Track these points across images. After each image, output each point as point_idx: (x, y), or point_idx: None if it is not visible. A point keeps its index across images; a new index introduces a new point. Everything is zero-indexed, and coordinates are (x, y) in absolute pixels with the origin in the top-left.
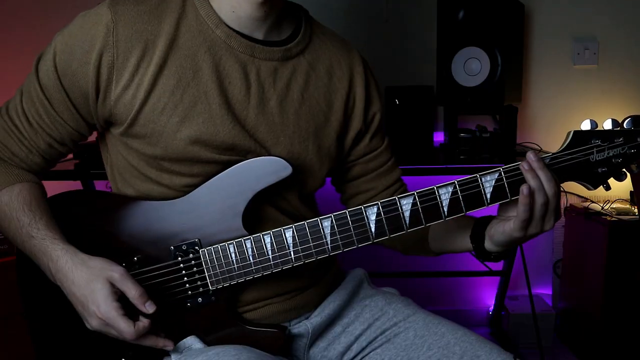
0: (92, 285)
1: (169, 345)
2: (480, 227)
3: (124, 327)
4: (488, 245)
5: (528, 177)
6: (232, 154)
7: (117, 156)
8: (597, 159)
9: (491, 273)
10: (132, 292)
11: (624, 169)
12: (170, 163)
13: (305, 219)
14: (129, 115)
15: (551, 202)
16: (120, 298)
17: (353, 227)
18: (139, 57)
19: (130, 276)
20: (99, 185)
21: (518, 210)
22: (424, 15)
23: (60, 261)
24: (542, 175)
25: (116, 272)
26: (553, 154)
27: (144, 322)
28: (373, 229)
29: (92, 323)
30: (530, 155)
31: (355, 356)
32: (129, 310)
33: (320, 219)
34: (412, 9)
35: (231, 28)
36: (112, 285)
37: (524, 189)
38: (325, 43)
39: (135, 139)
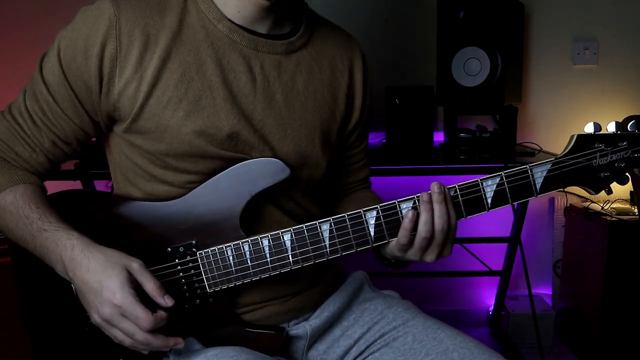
0: (108, 271)
1: (179, 342)
2: None
3: (142, 314)
4: (383, 251)
5: (421, 208)
6: (236, 150)
7: (120, 156)
8: (600, 163)
9: (491, 273)
10: (151, 283)
11: (626, 173)
12: (175, 159)
13: (310, 214)
14: (133, 108)
15: (437, 238)
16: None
17: (352, 230)
18: (141, 50)
19: (147, 269)
20: (99, 185)
21: (399, 232)
22: (424, 15)
23: (75, 250)
24: (437, 209)
25: (135, 262)
26: (556, 158)
27: (161, 313)
28: (372, 233)
29: (104, 310)
30: (433, 187)
31: (353, 359)
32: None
33: (318, 223)
34: (412, 9)
35: (234, 23)
36: (130, 274)
37: (409, 213)
38: (327, 35)
39: (140, 135)
